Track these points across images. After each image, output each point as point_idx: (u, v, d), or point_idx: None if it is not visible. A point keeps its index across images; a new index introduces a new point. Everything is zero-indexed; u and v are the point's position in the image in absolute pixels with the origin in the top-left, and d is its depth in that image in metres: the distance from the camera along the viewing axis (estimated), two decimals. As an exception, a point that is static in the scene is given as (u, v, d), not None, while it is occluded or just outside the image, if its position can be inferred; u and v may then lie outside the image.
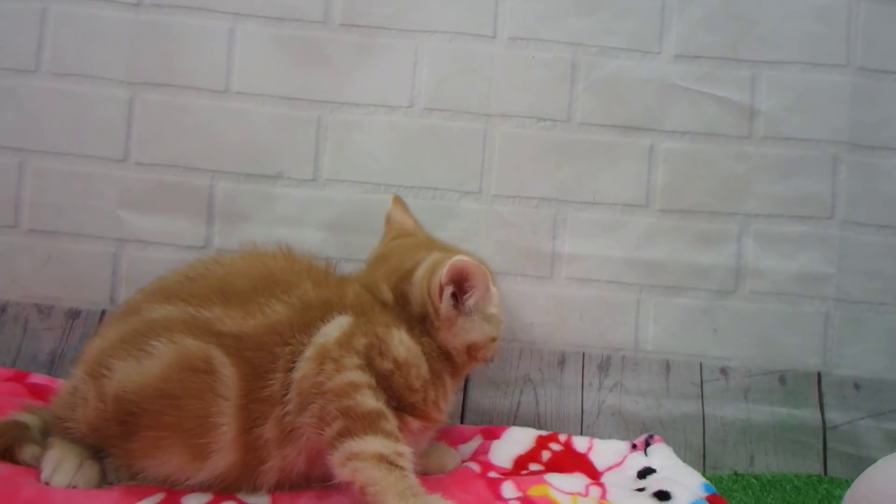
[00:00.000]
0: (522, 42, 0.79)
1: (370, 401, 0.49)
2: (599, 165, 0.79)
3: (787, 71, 0.79)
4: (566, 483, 0.57)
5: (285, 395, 0.50)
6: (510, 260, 0.78)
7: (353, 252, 0.77)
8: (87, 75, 0.77)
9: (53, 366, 0.75)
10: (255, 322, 0.52)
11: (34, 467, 0.51)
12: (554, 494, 0.55)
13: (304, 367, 0.50)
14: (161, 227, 0.77)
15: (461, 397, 0.76)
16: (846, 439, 0.76)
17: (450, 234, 0.76)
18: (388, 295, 0.58)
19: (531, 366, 0.78)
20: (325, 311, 0.54)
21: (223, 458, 0.50)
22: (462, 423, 0.75)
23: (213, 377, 0.49)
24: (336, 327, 0.53)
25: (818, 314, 0.78)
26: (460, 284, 0.57)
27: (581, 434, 0.73)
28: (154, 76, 0.77)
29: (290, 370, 0.51)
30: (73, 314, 0.77)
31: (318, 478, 0.52)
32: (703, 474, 0.62)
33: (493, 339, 0.60)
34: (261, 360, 0.51)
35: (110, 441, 0.51)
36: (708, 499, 0.55)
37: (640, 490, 0.58)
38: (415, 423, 0.53)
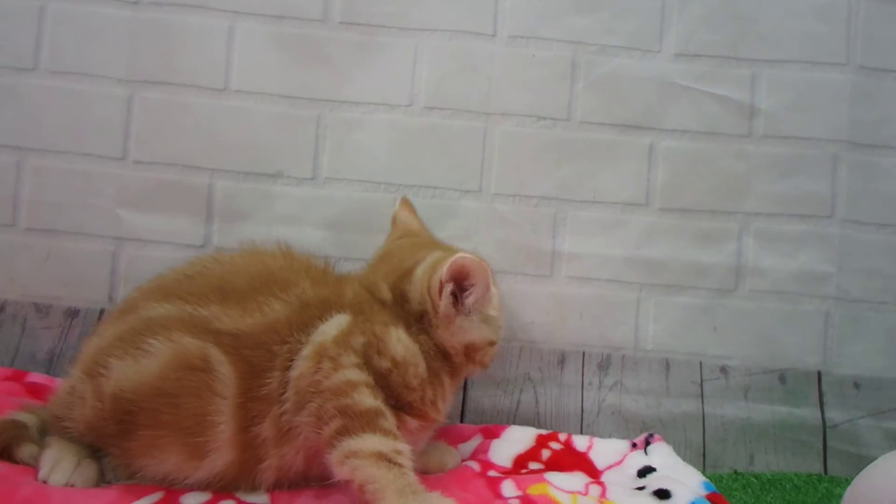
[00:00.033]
0: (522, 40, 0.79)
1: (368, 399, 0.49)
2: (599, 164, 0.79)
3: (787, 69, 0.79)
4: (566, 482, 0.57)
5: (283, 393, 0.50)
6: (510, 259, 0.78)
7: (352, 251, 0.77)
8: (86, 73, 0.77)
9: (52, 365, 0.75)
10: (253, 320, 0.52)
11: (32, 466, 0.51)
12: (554, 493, 0.54)
13: (302, 365, 0.50)
14: (160, 225, 0.77)
15: (461, 396, 0.76)
16: (846, 438, 0.76)
17: (450, 233, 0.76)
18: (386, 294, 0.58)
19: (531, 365, 0.78)
20: (323, 309, 0.54)
21: (221, 456, 0.50)
22: (462, 422, 0.75)
23: (210, 375, 0.49)
24: (334, 326, 0.53)
25: (818, 313, 0.78)
26: (460, 282, 0.57)
27: (581, 433, 0.73)
28: (153, 74, 0.77)
29: (288, 369, 0.51)
30: (72, 313, 0.77)
31: (316, 477, 0.52)
32: (703, 473, 0.62)
33: (492, 344, 0.59)
34: (258, 359, 0.51)
35: (108, 440, 0.51)
36: (708, 497, 0.55)
37: (640, 489, 0.58)
38: (413, 423, 0.53)
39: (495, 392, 0.77)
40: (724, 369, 0.78)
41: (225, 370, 0.50)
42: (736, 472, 0.73)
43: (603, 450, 0.67)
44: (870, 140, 0.78)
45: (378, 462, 0.46)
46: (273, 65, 0.78)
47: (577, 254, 0.78)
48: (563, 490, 0.55)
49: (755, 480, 0.71)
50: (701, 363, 0.78)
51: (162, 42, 0.77)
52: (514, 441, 0.67)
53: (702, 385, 0.77)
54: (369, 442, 0.47)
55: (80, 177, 0.77)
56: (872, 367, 0.77)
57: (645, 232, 0.78)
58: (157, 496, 0.49)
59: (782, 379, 0.77)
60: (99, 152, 0.77)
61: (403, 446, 0.48)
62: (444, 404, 0.57)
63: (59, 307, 0.77)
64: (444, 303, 0.56)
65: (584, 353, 0.78)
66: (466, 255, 0.56)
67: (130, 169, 0.77)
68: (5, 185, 0.77)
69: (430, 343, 0.56)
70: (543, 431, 0.69)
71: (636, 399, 0.77)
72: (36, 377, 0.71)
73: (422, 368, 0.54)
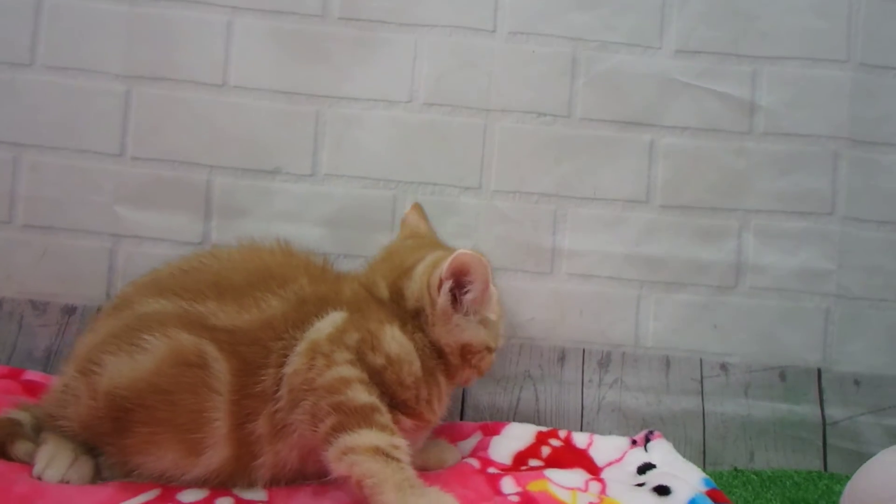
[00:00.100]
0: (522, 36, 0.78)
1: (362, 395, 0.49)
2: (600, 161, 0.78)
3: (787, 66, 0.78)
4: (566, 478, 0.57)
5: (277, 391, 0.50)
6: (510, 255, 0.77)
7: (352, 248, 0.77)
8: (83, 69, 0.77)
9: (49, 363, 0.75)
10: (249, 316, 0.52)
11: (28, 463, 0.51)
12: (554, 490, 0.54)
13: (296, 361, 0.50)
14: (158, 222, 0.77)
15: (461, 394, 0.76)
16: (846, 435, 0.75)
17: (449, 230, 0.76)
18: (384, 292, 0.58)
19: (531, 362, 0.77)
20: (320, 306, 0.54)
21: (217, 453, 0.50)
22: (462, 419, 0.75)
23: (206, 372, 0.49)
24: (329, 323, 0.53)
25: (818, 310, 0.78)
26: (460, 279, 0.56)
27: (581, 430, 0.72)
28: (151, 70, 0.77)
29: (282, 366, 0.50)
30: (69, 310, 0.76)
31: (312, 474, 0.52)
32: (704, 470, 0.61)
33: (490, 350, 0.59)
34: (254, 356, 0.50)
35: (103, 438, 0.51)
36: (708, 493, 0.55)
37: (640, 485, 0.58)
38: (407, 422, 0.53)
39: (495, 389, 0.77)
40: (724, 366, 0.78)
41: (220, 367, 0.50)
42: (736, 469, 0.73)
43: (603, 447, 0.67)
44: (870, 137, 0.78)
45: (375, 457, 0.46)
46: (272, 60, 0.77)
47: (578, 251, 0.78)
48: (563, 487, 0.55)
49: (755, 477, 0.71)
50: (701, 360, 0.78)
51: (160, 37, 0.77)
52: (513, 438, 0.67)
53: (702, 382, 0.77)
54: (366, 437, 0.46)
55: (78, 173, 0.76)
56: (872, 365, 0.77)
57: (645, 229, 0.78)
58: (154, 493, 0.49)
59: (782, 376, 0.77)
60: (96, 148, 0.77)
61: (400, 441, 0.48)
62: (440, 405, 0.57)
63: (56, 304, 0.76)
64: (443, 299, 0.56)
65: (584, 351, 0.78)
66: (467, 251, 0.56)
67: (128, 165, 0.77)
68: (2, 182, 0.76)
69: (425, 341, 0.56)
70: (543, 428, 0.69)
71: (636, 396, 0.77)
72: (33, 375, 0.71)
73: (416, 366, 0.54)
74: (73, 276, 0.76)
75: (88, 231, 0.77)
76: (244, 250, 0.60)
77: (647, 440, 0.67)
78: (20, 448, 0.52)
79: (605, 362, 0.78)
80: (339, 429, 0.47)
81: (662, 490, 0.55)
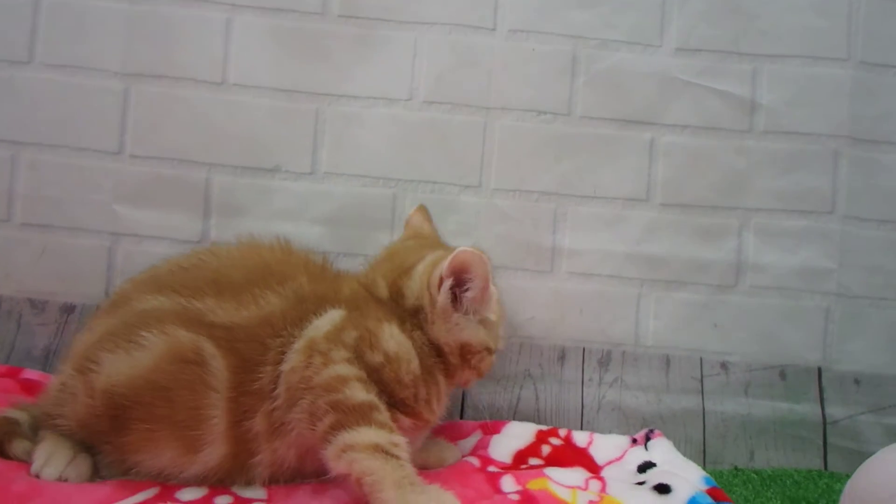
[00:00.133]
0: (523, 34, 0.78)
1: (360, 393, 0.48)
2: (600, 159, 0.78)
3: (788, 65, 0.78)
4: (566, 477, 0.57)
5: (274, 388, 0.50)
6: (510, 254, 0.77)
7: (351, 246, 0.77)
8: (82, 66, 0.76)
9: (48, 362, 0.74)
10: (248, 313, 0.52)
11: (26, 462, 0.50)
12: (553, 488, 0.54)
13: (293, 358, 0.50)
14: (157, 220, 0.76)
15: (461, 392, 0.76)
16: (846, 434, 0.75)
17: (450, 229, 0.75)
18: (384, 291, 0.58)
19: (531, 361, 0.77)
20: (318, 304, 0.54)
21: (215, 450, 0.49)
22: (462, 418, 0.75)
23: (203, 369, 0.49)
24: (327, 321, 0.53)
25: (819, 309, 0.78)
26: (460, 277, 0.56)
27: (581, 429, 0.72)
28: (149, 68, 0.77)
29: (280, 363, 0.50)
30: (68, 309, 0.76)
31: (310, 473, 0.52)
32: (704, 469, 0.61)
33: (490, 351, 0.59)
34: (251, 352, 0.50)
35: (101, 436, 0.50)
36: (708, 492, 0.55)
37: (641, 484, 0.58)
38: (406, 421, 0.52)
39: (495, 388, 0.76)
40: (724, 365, 0.77)
41: (217, 364, 0.49)
42: (736, 468, 0.73)
43: (603, 445, 0.67)
44: (871, 136, 0.78)
45: (375, 454, 0.45)
46: (271, 58, 0.77)
47: (578, 249, 0.78)
48: (562, 485, 0.55)
49: (755, 476, 0.71)
50: (701, 359, 0.78)
51: (159, 35, 0.76)
52: (513, 437, 0.67)
53: (702, 381, 0.77)
54: (365, 435, 0.46)
55: (76, 171, 0.76)
56: (873, 364, 0.77)
57: (645, 228, 0.78)
58: (153, 492, 0.49)
59: (783, 375, 0.77)
60: (95, 146, 0.77)
61: (400, 439, 0.48)
62: (439, 405, 0.57)
63: (54, 303, 0.76)
64: (443, 297, 0.56)
65: (584, 350, 0.78)
66: (468, 249, 0.55)
67: (127, 163, 0.77)
68: (0, 180, 0.76)
69: (423, 339, 0.56)
70: (543, 427, 0.69)
71: (636, 395, 0.77)
72: (31, 374, 0.71)
73: (414, 365, 0.53)
74: (71, 275, 0.76)
75: (87, 229, 0.76)
76: (244, 248, 0.60)
77: (648, 439, 0.67)
78: (18, 446, 0.52)
79: (605, 361, 0.78)
80: (337, 427, 0.47)
81: (663, 488, 0.55)
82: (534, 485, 0.55)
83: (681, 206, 0.78)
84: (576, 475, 0.58)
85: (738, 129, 0.78)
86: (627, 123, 0.78)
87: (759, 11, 0.78)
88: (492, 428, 0.69)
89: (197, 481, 0.50)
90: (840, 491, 0.59)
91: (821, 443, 0.75)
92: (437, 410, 0.57)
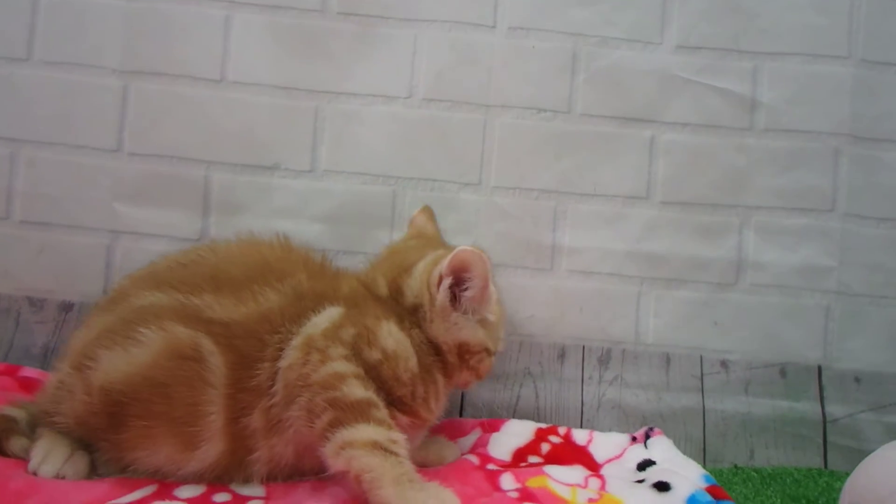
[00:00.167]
0: (522, 32, 0.78)
1: (358, 390, 0.48)
2: (600, 157, 0.78)
3: (788, 62, 0.78)
4: (565, 475, 0.57)
5: (272, 385, 0.50)
6: (510, 252, 0.77)
7: (351, 244, 0.76)
8: (80, 64, 0.76)
9: (46, 359, 0.74)
10: (246, 309, 0.52)
11: (23, 459, 0.50)
12: (553, 486, 0.54)
13: (291, 355, 0.50)
14: (156, 218, 0.76)
15: (460, 390, 0.76)
16: (846, 433, 0.75)
17: (449, 227, 0.75)
18: (383, 289, 0.58)
19: (531, 359, 0.77)
20: (317, 302, 0.54)
21: (213, 447, 0.49)
22: (461, 416, 0.75)
23: (201, 365, 0.49)
24: (326, 318, 0.52)
25: (819, 307, 0.78)
26: (460, 276, 0.56)
27: (581, 428, 0.72)
28: (148, 65, 0.76)
29: (278, 359, 0.50)
30: (66, 307, 0.76)
31: (308, 470, 0.51)
32: (704, 467, 0.61)
33: (489, 352, 0.59)
34: (249, 349, 0.50)
35: (99, 434, 0.50)
36: (708, 490, 0.55)
37: (640, 482, 0.58)
38: (404, 419, 0.52)
39: (495, 386, 0.76)
40: (724, 363, 0.77)
41: (215, 360, 0.49)
42: (736, 466, 0.73)
43: (603, 443, 0.67)
44: (871, 134, 0.78)
45: (373, 451, 0.45)
46: (270, 55, 0.77)
47: (578, 247, 0.78)
48: (562, 483, 0.55)
49: (755, 475, 0.70)
50: (701, 357, 0.77)
51: (157, 32, 0.76)
52: (513, 435, 0.67)
53: (702, 379, 0.77)
54: (363, 432, 0.46)
55: (75, 169, 0.76)
56: (873, 362, 0.77)
57: (646, 225, 0.78)
58: (151, 489, 0.49)
59: (783, 373, 0.77)
60: (94, 144, 0.76)
61: (398, 435, 0.47)
62: (437, 404, 0.57)
63: (53, 301, 0.76)
64: (442, 296, 0.56)
65: (584, 348, 0.77)
66: (468, 248, 0.55)
67: (126, 161, 0.76)
68: (-2, 177, 0.76)
69: (422, 337, 0.56)
70: (543, 425, 0.69)
71: (636, 393, 0.76)
72: (29, 371, 0.71)
73: (413, 362, 0.53)
74: (70, 273, 0.76)
75: (86, 227, 0.76)
76: (243, 244, 0.59)
77: (647, 437, 0.67)
78: (16, 444, 0.51)
79: (605, 359, 0.77)
80: (335, 424, 0.47)
81: (662, 486, 0.55)
82: (533, 483, 0.55)
83: (681, 203, 0.78)
84: (575, 473, 0.58)
85: (738, 127, 0.78)
86: (627, 121, 0.78)
87: (759, 9, 0.78)
88: (491, 426, 0.69)
89: (195, 478, 0.50)
90: (840, 489, 0.59)
91: (821, 441, 0.75)
92: (435, 409, 0.57)
